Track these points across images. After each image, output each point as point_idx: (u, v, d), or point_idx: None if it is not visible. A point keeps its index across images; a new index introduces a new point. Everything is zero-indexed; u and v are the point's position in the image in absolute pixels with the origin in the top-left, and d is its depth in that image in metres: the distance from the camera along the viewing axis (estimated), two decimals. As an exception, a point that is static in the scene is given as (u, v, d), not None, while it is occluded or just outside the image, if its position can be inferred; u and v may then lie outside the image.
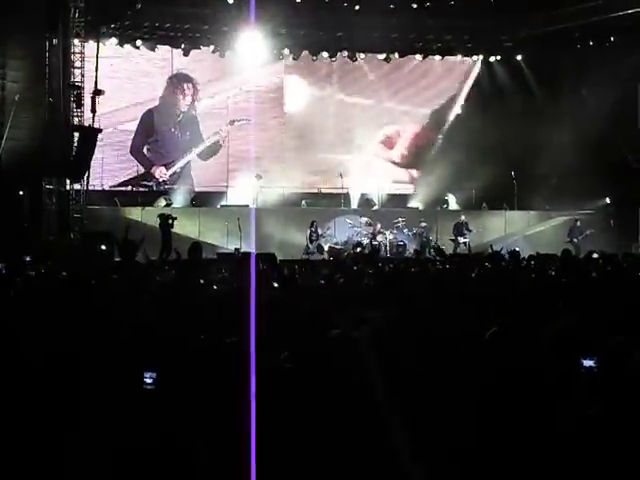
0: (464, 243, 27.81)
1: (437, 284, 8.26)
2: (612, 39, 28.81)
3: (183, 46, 29.26)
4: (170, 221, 24.43)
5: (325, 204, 30.23)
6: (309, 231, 27.41)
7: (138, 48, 28.92)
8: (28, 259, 18.47)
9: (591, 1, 27.61)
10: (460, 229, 28.24)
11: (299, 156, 31.32)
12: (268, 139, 31.05)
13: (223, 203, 29.09)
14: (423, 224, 28.76)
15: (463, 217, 28.74)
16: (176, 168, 30.07)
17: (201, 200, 29.01)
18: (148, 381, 4.35)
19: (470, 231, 28.26)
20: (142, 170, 29.79)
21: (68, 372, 4.31)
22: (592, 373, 3.90)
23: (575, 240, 27.30)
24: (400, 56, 31.55)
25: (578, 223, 28.14)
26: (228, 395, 4.06)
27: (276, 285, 7.61)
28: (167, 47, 29.53)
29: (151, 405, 3.83)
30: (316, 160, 31.43)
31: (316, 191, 30.86)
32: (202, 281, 11.50)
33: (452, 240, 28.19)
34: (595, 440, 3.49)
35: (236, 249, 24.61)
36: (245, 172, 29.86)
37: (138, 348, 4.99)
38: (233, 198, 29.04)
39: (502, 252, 14.72)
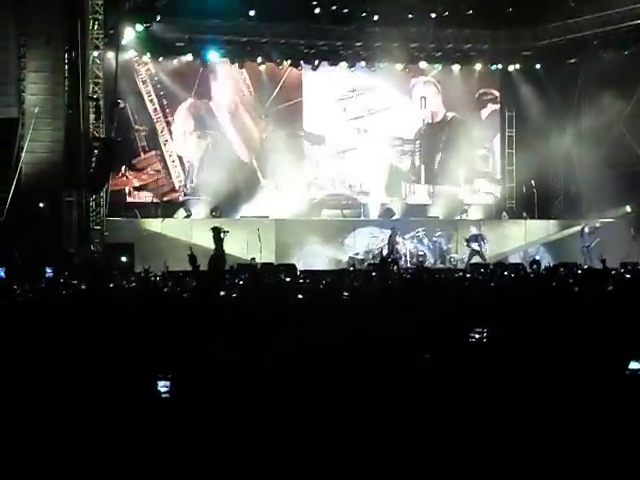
0: (477, 251, 27.55)
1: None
2: (632, 47, 28.57)
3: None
4: (222, 235, 24.58)
5: (345, 214, 30.18)
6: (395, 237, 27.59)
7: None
8: (49, 271, 18.48)
9: (610, 9, 27.49)
10: (476, 238, 27.95)
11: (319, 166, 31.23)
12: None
13: (242, 214, 29.05)
14: (438, 233, 28.76)
15: (474, 229, 28.36)
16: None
17: (220, 211, 28.87)
18: (162, 390, 4.32)
19: (484, 242, 28.01)
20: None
21: (77, 380, 4.31)
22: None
23: (588, 245, 27.00)
24: (418, 66, 31.50)
25: (586, 229, 27.68)
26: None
27: None
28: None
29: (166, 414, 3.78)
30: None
31: (336, 201, 30.75)
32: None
33: (467, 246, 27.89)
34: None
35: (252, 259, 24.66)
36: (264, 182, 29.93)
37: (150, 358, 4.99)
38: (251, 208, 29.05)
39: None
